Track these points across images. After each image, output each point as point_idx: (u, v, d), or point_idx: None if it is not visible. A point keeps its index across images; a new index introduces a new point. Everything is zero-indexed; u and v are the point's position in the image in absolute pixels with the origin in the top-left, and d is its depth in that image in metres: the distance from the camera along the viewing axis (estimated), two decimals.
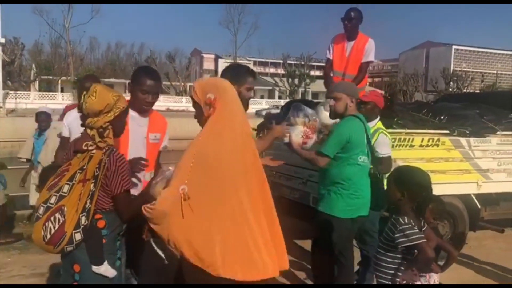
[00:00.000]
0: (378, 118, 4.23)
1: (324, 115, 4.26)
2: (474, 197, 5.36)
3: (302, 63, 53.25)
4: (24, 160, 6.01)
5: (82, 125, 2.43)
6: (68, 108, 4.88)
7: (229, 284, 2.16)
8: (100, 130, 2.37)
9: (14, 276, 4.61)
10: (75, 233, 2.28)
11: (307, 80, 50.98)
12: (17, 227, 6.23)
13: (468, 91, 42.42)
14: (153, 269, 2.95)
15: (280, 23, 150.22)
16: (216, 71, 72.74)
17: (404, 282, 2.57)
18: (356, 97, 3.60)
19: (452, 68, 55.98)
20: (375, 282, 2.81)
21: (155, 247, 2.44)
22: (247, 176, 2.28)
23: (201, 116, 2.35)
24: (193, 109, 2.42)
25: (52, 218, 2.27)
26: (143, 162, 2.86)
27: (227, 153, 2.23)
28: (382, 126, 4.19)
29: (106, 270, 2.39)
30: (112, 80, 49.71)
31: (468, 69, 55.72)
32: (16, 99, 39.51)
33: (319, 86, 42.89)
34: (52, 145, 5.78)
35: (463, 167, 5.22)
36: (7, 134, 12.60)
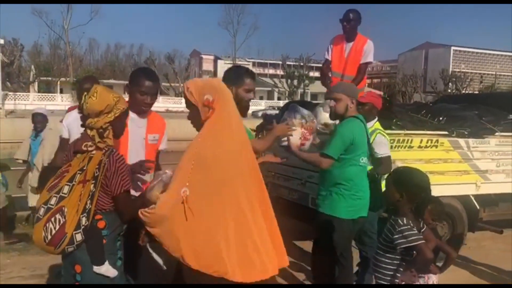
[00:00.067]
0: (376, 119, 4.24)
1: (323, 116, 4.27)
2: (473, 198, 5.37)
3: (301, 64, 53.31)
4: (21, 161, 6.01)
5: (82, 126, 2.44)
6: (70, 110, 4.89)
7: (229, 284, 2.16)
8: (100, 130, 2.38)
9: (13, 278, 4.61)
10: (75, 233, 2.28)
11: (306, 81, 51.00)
12: (17, 228, 6.23)
13: (467, 92, 42.47)
14: (152, 274, 2.92)
15: (279, 24, 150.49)
16: (215, 72, 72.77)
17: (403, 283, 2.58)
18: (356, 97, 3.60)
19: (451, 69, 55.97)
20: (374, 283, 2.82)
21: (152, 253, 2.41)
22: (245, 176, 2.29)
23: (197, 118, 2.32)
24: None
25: (52, 219, 2.27)
26: (147, 164, 2.84)
27: (226, 154, 2.24)
28: (380, 127, 4.20)
29: (107, 270, 2.39)
30: (112, 81, 49.68)
31: (467, 70, 55.75)
32: (15, 100, 39.49)
33: (318, 87, 42.84)
34: (48, 146, 5.79)
35: (462, 168, 5.23)
36: (6, 135, 12.60)
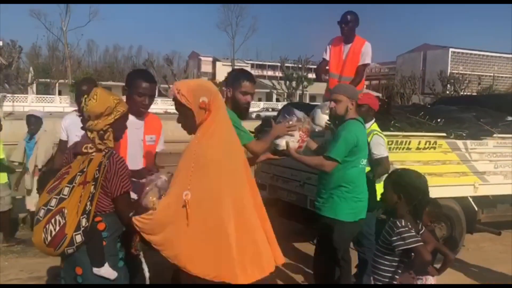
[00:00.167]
0: (373, 120, 4.25)
1: (322, 117, 4.27)
2: (471, 200, 5.38)
3: (300, 66, 53.26)
4: (17, 163, 6.00)
5: (82, 128, 2.45)
6: None
7: (229, 284, 2.16)
8: (100, 132, 2.38)
9: (11, 280, 4.60)
10: (75, 235, 2.28)
11: (305, 83, 50.96)
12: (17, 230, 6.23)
13: (465, 93, 42.56)
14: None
15: (278, 26, 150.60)
16: (214, 74, 72.83)
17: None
18: (356, 99, 3.59)
19: (449, 71, 56.03)
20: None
21: (143, 263, 2.37)
22: (242, 176, 2.29)
23: (190, 120, 2.26)
24: None
25: (52, 221, 2.27)
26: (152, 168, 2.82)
27: (225, 155, 2.24)
28: (377, 128, 4.21)
29: (106, 272, 2.39)
30: (110, 83, 49.61)
31: (465, 72, 55.84)
32: (13, 102, 39.44)
33: (316, 88, 42.90)
34: (42, 147, 5.79)
35: (460, 169, 5.24)
36: (4, 137, 12.55)
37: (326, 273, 3.78)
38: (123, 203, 2.40)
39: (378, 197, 3.77)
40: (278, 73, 64.31)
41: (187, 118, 2.27)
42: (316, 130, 4.32)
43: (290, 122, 3.22)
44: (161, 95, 42.23)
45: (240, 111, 3.11)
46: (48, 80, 49.24)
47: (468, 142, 5.24)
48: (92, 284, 2.38)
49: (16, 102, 40.17)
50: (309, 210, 4.63)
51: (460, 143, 5.20)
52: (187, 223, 2.11)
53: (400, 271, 2.57)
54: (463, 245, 5.55)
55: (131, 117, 2.99)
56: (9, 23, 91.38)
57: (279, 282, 4.62)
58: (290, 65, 55.59)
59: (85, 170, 2.34)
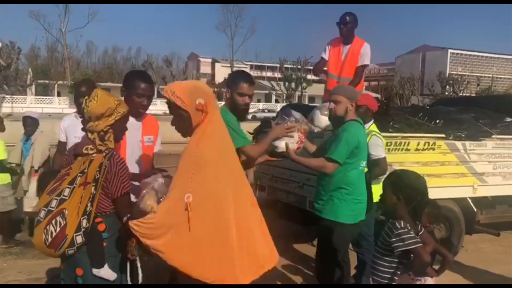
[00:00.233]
0: (372, 121, 4.26)
1: (321, 118, 4.28)
2: (470, 201, 5.38)
3: (299, 67, 53.31)
4: (14, 165, 6.00)
5: (83, 129, 2.45)
6: None
7: (229, 284, 2.15)
8: (101, 133, 2.39)
9: (10, 282, 4.59)
10: (76, 236, 2.28)
11: (304, 84, 51.01)
12: (17, 232, 6.21)
13: (464, 94, 42.60)
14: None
15: (277, 27, 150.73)
16: (213, 75, 72.85)
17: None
18: (356, 100, 3.57)
19: (448, 72, 56.17)
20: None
21: (139, 268, 2.33)
22: (239, 174, 2.30)
23: (185, 123, 2.22)
24: None
25: (53, 222, 2.27)
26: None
27: (222, 154, 2.24)
28: (375, 129, 4.22)
29: (106, 273, 2.39)
30: (109, 84, 49.60)
31: (464, 73, 55.96)
32: (12, 103, 39.43)
33: (315, 90, 42.90)
34: (39, 149, 5.79)
35: (459, 170, 5.23)
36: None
37: (327, 275, 3.78)
38: (123, 204, 2.41)
39: (375, 198, 3.79)
40: (277, 74, 64.34)
41: (183, 120, 2.23)
42: (315, 131, 4.33)
43: (289, 123, 3.19)
44: (160, 96, 42.21)
45: (239, 112, 3.11)
46: (47, 81, 49.18)
47: (467, 143, 5.24)
48: (92, 284, 2.38)
49: (15, 103, 40.16)
50: (308, 211, 4.62)
51: (459, 144, 5.20)
52: (189, 226, 2.08)
53: (399, 272, 2.57)
54: (462, 246, 5.55)
55: (130, 119, 3.00)
56: (8, 24, 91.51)
57: (279, 283, 4.63)
58: (289, 66, 55.63)
59: (85, 171, 2.34)
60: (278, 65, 59.79)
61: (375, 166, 3.98)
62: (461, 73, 55.30)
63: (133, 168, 2.90)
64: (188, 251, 2.10)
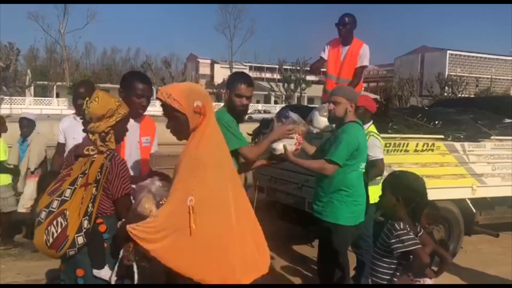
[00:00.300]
0: (371, 122, 4.26)
1: (320, 119, 4.28)
2: (469, 202, 5.38)
3: (298, 68, 53.34)
4: (12, 166, 6.00)
5: (84, 130, 2.45)
6: None
7: (228, 285, 2.14)
8: (102, 134, 2.39)
9: (8, 283, 4.58)
10: (77, 236, 2.28)
11: (303, 85, 51.06)
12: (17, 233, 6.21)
13: (462, 95, 42.63)
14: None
15: (276, 29, 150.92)
16: (212, 76, 72.87)
17: None
18: (356, 101, 3.56)
19: (447, 73, 56.17)
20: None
21: (135, 272, 2.29)
22: (234, 177, 2.30)
23: (182, 126, 2.18)
24: None
25: (54, 222, 2.27)
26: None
27: (221, 156, 2.23)
28: (374, 130, 4.22)
29: (106, 274, 2.39)
30: (108, 85, 49.56)
31: (462, 74, 55.96)
32: (11, 104, 39.44)
33: (314, 91, 42.92)
34: (35, 150, 5.79)
35: (458, 171, 5.24)
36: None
37: (327, 276, 3.77)
38: (124, 205, 2.40)
39: (373, 199, 3.78)
40: (276, 75, 64.43)
41: (179, 123, 2.18)
42: (314, 132, 4.33)
43: (287, 125, 3.18)
44: None
45: (236, 113, 3.11)
46: (46, 82, 49.12)
47: (466, 144, 5.24)
48: (92, 285, 2.38)
49: (14, 104, 40.15)
50: (307, 212, 4.62)
51: (458, 145, 5.20)
52: (191, 229, 2.04)
53: (398, 273, 2.57)
54: (461, 247, 5.55)
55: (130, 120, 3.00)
56: (7, 25, 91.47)
57: (279, 284, 4.62)
58: (288, 67, 55.67)
59: (86, 172, 2.34)
60: (277, 66, 59.89)
61: (372, 167, 3.98)
62: (460, 74, 55.29)
63: (131, 169, 2.90)
64: (189, 254, 2.07)
